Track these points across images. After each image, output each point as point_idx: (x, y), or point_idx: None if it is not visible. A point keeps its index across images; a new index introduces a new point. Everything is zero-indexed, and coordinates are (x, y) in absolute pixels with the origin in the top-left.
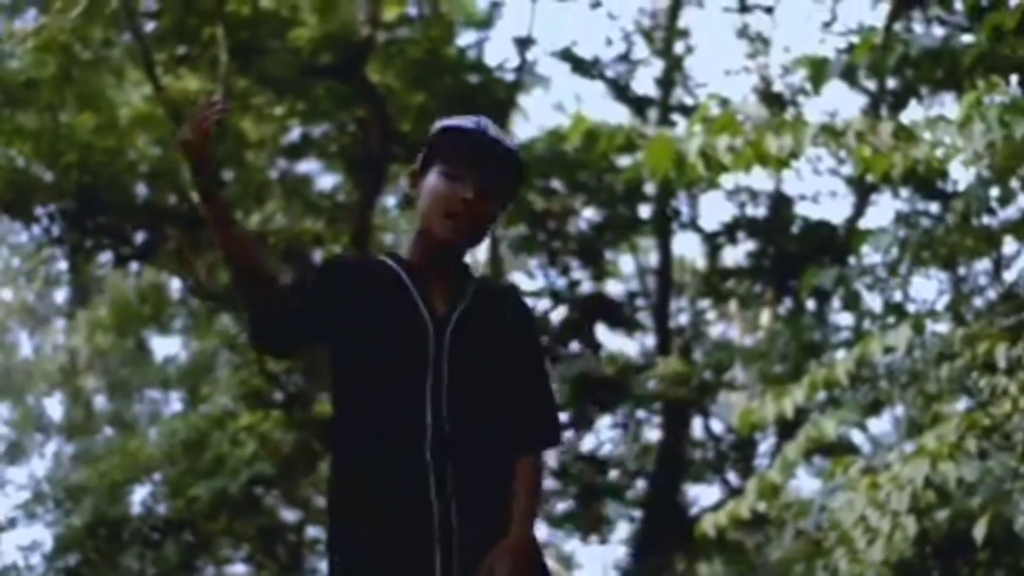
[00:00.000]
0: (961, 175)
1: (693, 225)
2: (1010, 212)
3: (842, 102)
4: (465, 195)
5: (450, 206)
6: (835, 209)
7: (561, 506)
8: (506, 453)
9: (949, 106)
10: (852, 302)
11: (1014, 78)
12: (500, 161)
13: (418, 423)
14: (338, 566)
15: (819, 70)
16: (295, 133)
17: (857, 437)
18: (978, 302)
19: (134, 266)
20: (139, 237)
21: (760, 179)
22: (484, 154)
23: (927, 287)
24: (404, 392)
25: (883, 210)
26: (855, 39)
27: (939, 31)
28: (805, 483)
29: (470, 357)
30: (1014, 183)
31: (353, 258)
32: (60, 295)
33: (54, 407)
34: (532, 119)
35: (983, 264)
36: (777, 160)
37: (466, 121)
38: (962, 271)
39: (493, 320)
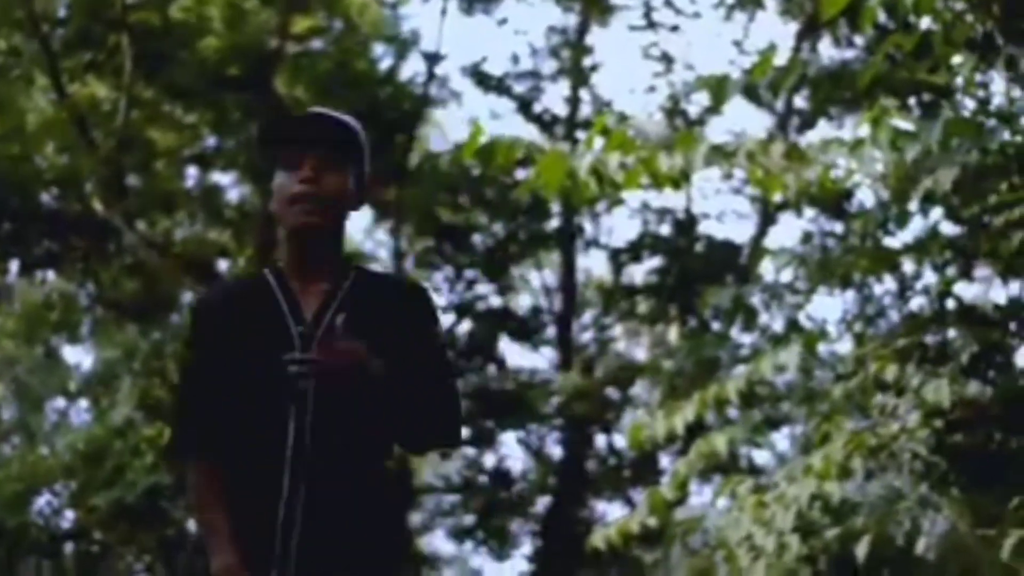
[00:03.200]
0: (867, 195)
1: (597, 242)
2: (916, 232)
3: (751, 122)
4: (307, 174)
5: (292, 191)
6: (742, 229)
7: (467, 519)
8: (377, 470)
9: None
10: (749, 320)
11: (913, 100)
12: (331, 134)
13: (275, 456)
14: None
15: (720, 89)
16: (204, 144)
17: (762, 456)
18: (882, 323)
19: (41, 274)
20: (44, 245)
21: (669, 198)
22: (311, 132)
23: (834, 307)
24: (263, 426)
25: (792, 230)
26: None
27: (848, 53)
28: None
29: (339, 368)
30: (913, 205)
31: (220, 290)
32: None
33: None
34: (449, 135)
35: (889, 285)
36: (669, 179)
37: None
38: (867, 292)
39: (376, 312)
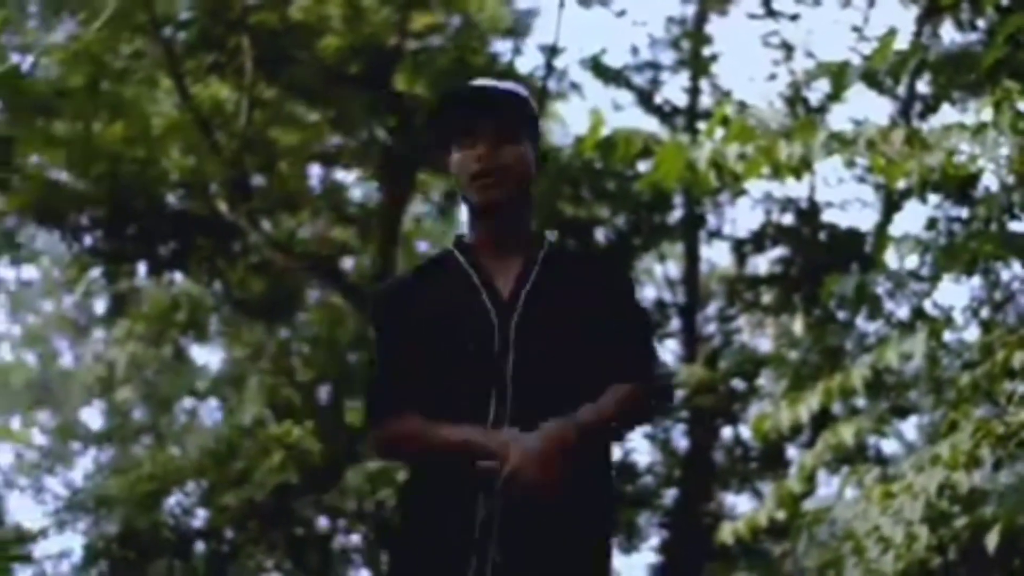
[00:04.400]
0: (992, 180)
1: (720, 233)
2: None
3: (873, 109)
4: (481, 152)
5: (472, 168)
6: (866, 217)
7: None
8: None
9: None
10: (874, 309)
11: None
12: (502, 105)
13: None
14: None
15: (839, 76)
16: (326, 142)
17: (891, 445)
18: (1011, 309)
19: (169, 276)
20: (171, 246)
21: (792, 187)
22: (483, 105)
23: (960, 294)
24: (469, 396)
25: (916, 216)
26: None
27: (972, 36)
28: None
29: (540, 341)
30: None
31: (398, 281)
32: (99, 305)
33: (93, 416)
34: (571, 127)
35: (1017, 271)
36: (789, 168)
37: (457, 88)
38: (996, 277)
39: (570, 287)
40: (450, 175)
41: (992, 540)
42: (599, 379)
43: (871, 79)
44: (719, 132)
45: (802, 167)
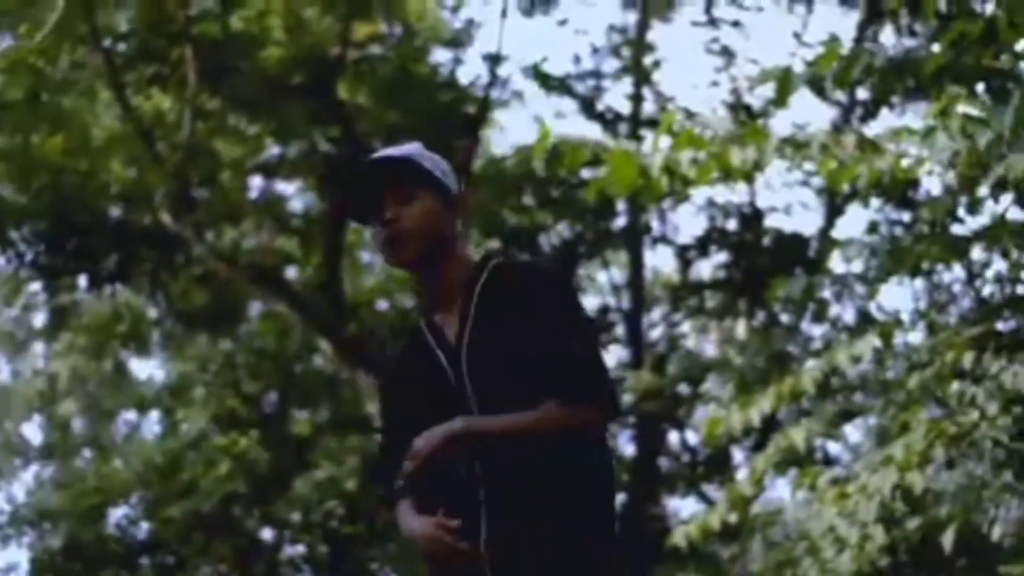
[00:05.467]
0: (933, 184)
1: (665, 239)
2: (983, 220)
3: (814, 114)
4: (384, 219)
5: (379, 240)
6: (807, 221)
7: None
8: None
9: (922, 116)
10: (821, 312)
11: (981, 87)
12: (390, 173)
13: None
14: None
15: (784, 82)
16: (268, 153)
17: (835, 448)
18: (953, 311)
19: (110, 289)
20: (113, 259)
21: (732, 192)
22: (370, 179)
23: (903, 296)
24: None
25: (856, 220)
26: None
27: (910, 43)
28: (785, 494)
29: (490, 369)
30: (983, 191)
31: (397, 354)
32: (39, 319)
33: (34, 431)
34: (512, 134)
35: (957, 273)
36: (741, 173)
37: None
38: (936, 280)
39: (512, 304)
40: None
41: (947, 540)
42: (556, 396)
43: (816, 85)
44: (665, 140)
45: (754, 171)
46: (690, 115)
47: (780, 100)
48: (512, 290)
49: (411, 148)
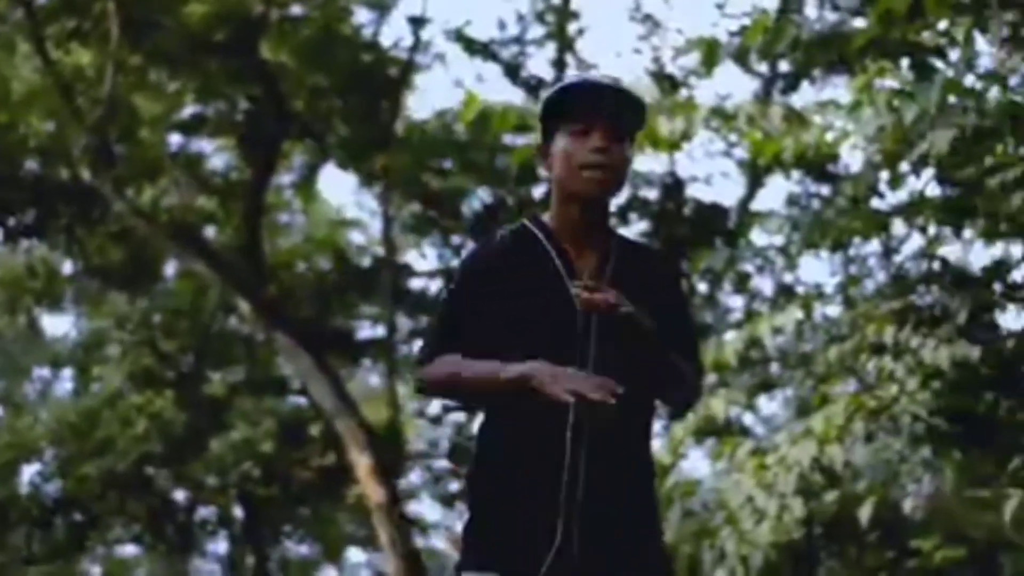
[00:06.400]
0: (852, 158)
1: None
2: (900, 195)
3: (734, 84)
4: (598, 144)
5: (587, 159)
6: (727, 191)
7: (454, 486)
8: (647, 422)
9: (841, 89)
10: (742, 284)
11: (905, 62)
12: (622, 104)
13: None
14: (472, 512)
15: (711, 52)
16: (188, 110)
17: (749, 418)
18: (869, 284)
19: (25, 243)
20: (29, 214)
21: (653, 161)
22: (606, 101)
23: (819, 269)
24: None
25: (774, 192)
26: (748, 22)
27: (831, 16)
28: (700, 465)
29: (617, 330)
30: (904, 167)
31: (487, 251)
32: None
33: None
34: (432, 98)
35: (873, 247)
36: (668, 143)
37: (574, 79)
38: (852, 253)
39: (640, 278)
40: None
41: (865, 513)
42: (666, 372)
43: (743, 56)
44: None
45: (682, 140)
46: None
47: (707, 69)
48: (641, 264)
49: (640, 95)
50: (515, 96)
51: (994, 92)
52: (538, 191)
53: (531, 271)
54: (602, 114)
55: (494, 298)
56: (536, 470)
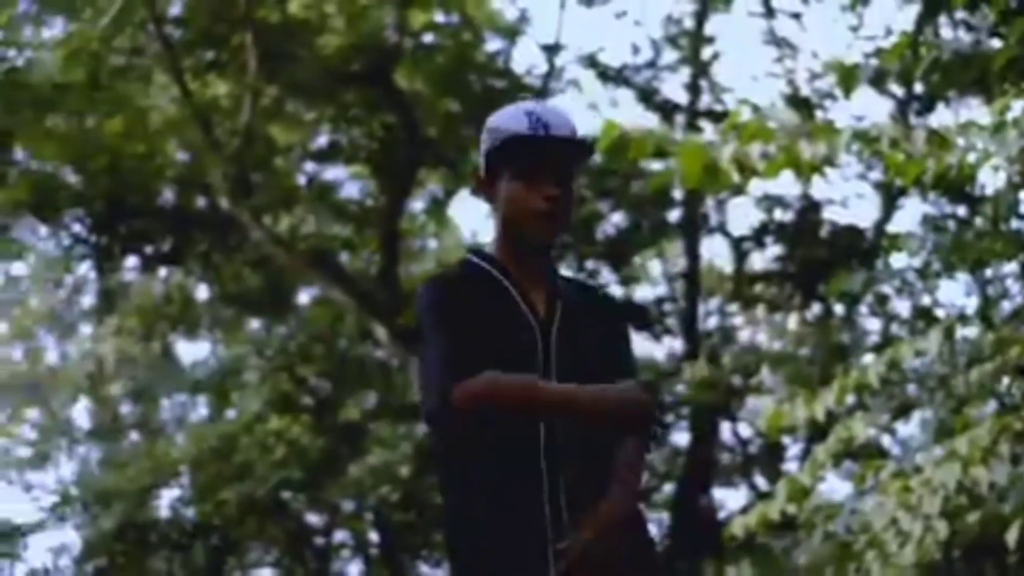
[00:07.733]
0: (988, 179)
1: (721, 230)
2: None
3: (869, 107)
4: (550, 192)
5: (539, 206)
6: (862, 213)
7: None
8: (610, 446)
9: (975, 110)
10: (880, 306)
11: None
12: (570, 152)
13: (532, 431)
14: (457, 559)
15: (849, 75)
16: (323, 139)
17: (886, 440)
18: (1006, 306)
19: (162, 271)
20: (167, 242)
21: (787, 184)
22: (555, 153)
23: (955, 291)
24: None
25: (908, 214)
26: (883, 44)
27: (965, 36)
28: (834, 487)
29: (575, 355)
30: None
31: (446, 284)
32: (87, 301)
33: (80, 413)
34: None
35: (1012, 268)
36: (811, 166)
37: (520, 122)
38: (990, 274)
39: (588, 316)
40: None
41: (1012, 536)
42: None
43: (880, 79)
44: (732, 132)
45: (824, 165)
46: (755, 108)
47: (845, 93)
48: (584, 300)
49: (586, 137)
50: (650, 120)
51: None
52: (674, 213)
53: (491, 299)
54: (553, 163)
55: (466, 325)
56: (517, 509)
